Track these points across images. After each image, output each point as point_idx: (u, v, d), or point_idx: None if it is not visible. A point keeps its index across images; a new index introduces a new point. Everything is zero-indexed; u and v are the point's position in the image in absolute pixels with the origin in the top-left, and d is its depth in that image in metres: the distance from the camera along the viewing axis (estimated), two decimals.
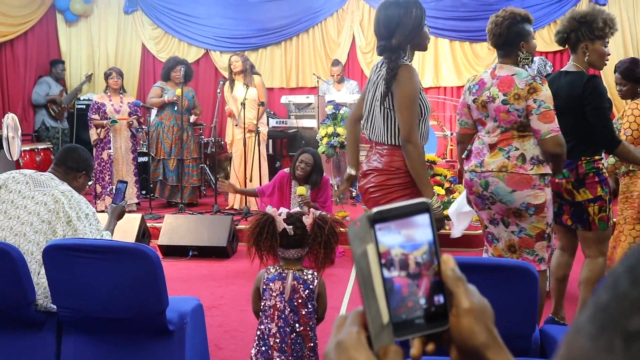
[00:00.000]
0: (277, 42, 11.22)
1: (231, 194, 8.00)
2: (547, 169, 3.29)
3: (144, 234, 6.35)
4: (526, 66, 3.48)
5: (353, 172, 3.58)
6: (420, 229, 0.71)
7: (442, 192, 6.08)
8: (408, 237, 0.71)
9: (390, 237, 0.70)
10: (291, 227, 2.69)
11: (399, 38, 3.20)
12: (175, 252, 6.40)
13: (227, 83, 7.82)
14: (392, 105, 3.21)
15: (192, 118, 8.14)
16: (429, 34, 3.40)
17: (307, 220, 2.71)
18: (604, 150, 3.73)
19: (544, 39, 9.90)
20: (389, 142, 3.26)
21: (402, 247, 0.70)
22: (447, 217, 6.08)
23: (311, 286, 2.72)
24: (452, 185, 6.55)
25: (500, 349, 0.72)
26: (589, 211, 3.63)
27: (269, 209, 2.84)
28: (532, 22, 3.47)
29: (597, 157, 3.67)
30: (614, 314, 0.33)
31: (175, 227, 6.52)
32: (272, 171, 8.11)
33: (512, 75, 3.31)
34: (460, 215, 5.20)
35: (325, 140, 7.62)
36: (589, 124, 3.56)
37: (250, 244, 2.74)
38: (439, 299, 0.71)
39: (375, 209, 0.71)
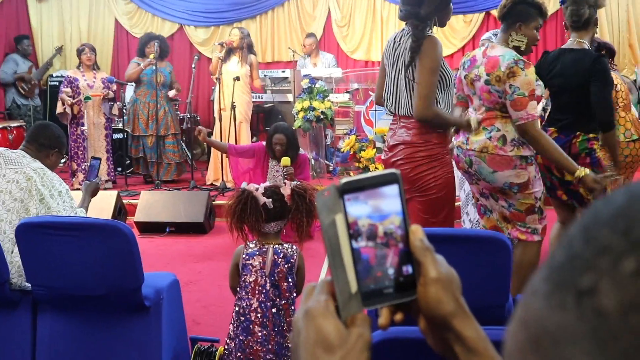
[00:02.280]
0: (252, 16, 11.12)
1: (211, 169, 7.96)
2: (527, 152, 3.29)
3: (120, 210, 6.32)
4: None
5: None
6: (389, 200, 0.71)
7: None
8: (377, 208, 0.71)
9: (359, 208, 0.70)
10: (270, 200, 2.69)
11: (427, 9, 3.22)
12: (152, 228, 6.37)
13: (222, 52, 7.67)
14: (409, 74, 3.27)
15: (172, 93, 8.05)
16: (451, 12, 3.43)
17: (285, 191, 2.71)
18: (602, 130, 3.68)
19: None
20: (405, 113, 3.32)
21: (371, 218, 0.70)
22: None
23: (292, 260, 2.72)
24: None
25: (467, 317, 0.72)
26: (580, 191, 3.63)
27: (245, 185, 2.83)
28: (544, 13, 3.41)
29: (591, 135, 3.66)
30: (566, 273, 0.33)
31: (151, 204, 6.49)
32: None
33: (499, 55, 3.29)
34: None
35: (301, 114, 7.60)
36: (590, 101, 3.57)
37: (233, 222, 2.73)
38: (408, 269, 0.72)
39: (344, 179, 0.71)
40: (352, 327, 0.69)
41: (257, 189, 2.74)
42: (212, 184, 7.89)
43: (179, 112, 8.76)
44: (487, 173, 3.33)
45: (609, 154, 3.74)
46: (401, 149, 3.34)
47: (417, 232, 0.72)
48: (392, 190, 0.71)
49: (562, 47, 3.82)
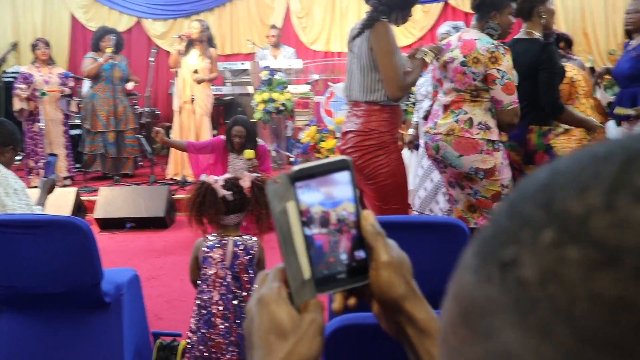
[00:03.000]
0: (211, 9, 11.06)
1: (171, 164, 7.90)
2: (493, 135, 3.32)
3: (79, 207, 6.24)
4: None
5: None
6: (341, 186, 0.72)
7: None
8: (328, 195, 0.71)
9: (311, 195, 0.71)
10: (230, 192, 2.68)
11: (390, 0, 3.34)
12: (112, 224, 6.31)
13: (182, 45, 7.59)
14: (370, 61, 3.34)
15: (131, 85, 7.96)
16: (410, 16, 3.54)
17: (245, 183, 2.71)
18: (552, 119, 3.74)
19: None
20: (365, 99, 3.38)
21: (323, 205, 0.71)
22: None
23: (252, 251, 2.72)
24: None
25: (418, 300, 0.74)
26: None
27: (205, 178, 2.82)
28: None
29: (545, 128, 3.70)
30: (492, 247, 0.35)
31: (111, 200, 6.42)
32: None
33: (475, 39, 3.34)
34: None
35: (261, 106, 7.57)
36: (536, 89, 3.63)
37: (192, 215, 2.72)
38: (360, 254, 0.73)
39: (295, 167, 0.71)
40: (304, 313, 0.70)
41: (216, 181, 2.73)
42: (172, 179, 7.84)
43: (137, 107, 8.67)
44: (453, 157, 3.35)
45: (578, 127, 3.82)
46: (350, 137, 3.43)
47: (369, 218, 0.73)
48: (344, 176, 0.72)
49: (514, 37, 3.87)
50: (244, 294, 2.70)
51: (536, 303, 0.31)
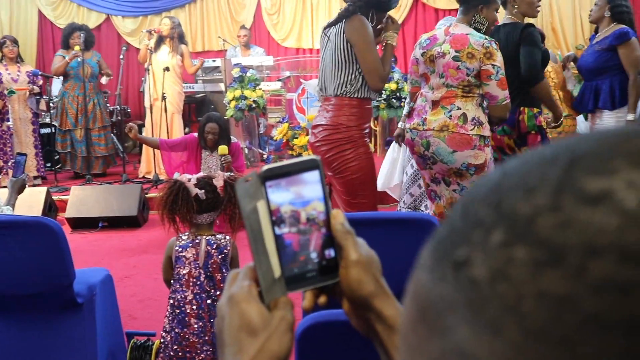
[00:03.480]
0: (182, 5, 10.99)
1: (143, 162, 7.85)
2: (486, 131, 3.34)
3: (51, 207, 6.18)
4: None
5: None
6: (310, 186, 0.72)
7: None
8: (298, 194, 0.72)
9: (281, 194, 0.71)
10: (203, 191, 2.67)
11: None
12: (84, 224, 6.25)
13: (152, 41, 7.53)
14: (344, 53, 3.36)
15: (104, 79, 7.90)
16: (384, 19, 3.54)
17: (218, 182, 2.70)
18: (529, 85, 3.74)
19: None
20: (336, 93, 3.38)
21: (293, 204, 0.72)
22: None
23: (225, 250, 2.72)
24: None
25: (387, 297, 0.75)
26: None
27: (177, 176, 2.80)
28: None
29: (536, 110, 3.74)
30: (446, 247, 0.36)
31: (83, 199, 6.36)
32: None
33: (467, 34, 3.34)
34: (391, 189, 5.28)
35: (233, 103, 7.55)
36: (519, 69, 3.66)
37: (164, 213, 2.70)
38: (330, 252, 0.74)
39: (265, 166, 0.72)
40: (274, 311, 0.71)
41: (189, 180, 2.71)
42: (144, 177, 7.78)
43: (108, 105, 8.59)
44: (445, 154, 3.34)
45: (546, 107, 3.87)
46: (319, 131, 3.45)
47: (338, 217, 0.74)
48: (313, 176, 0.73)
49: (498, 24, 3.91)
50: (218, 293, 2.70)
51: (487, 301, 0.32)
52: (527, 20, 3.92)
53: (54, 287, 2.62)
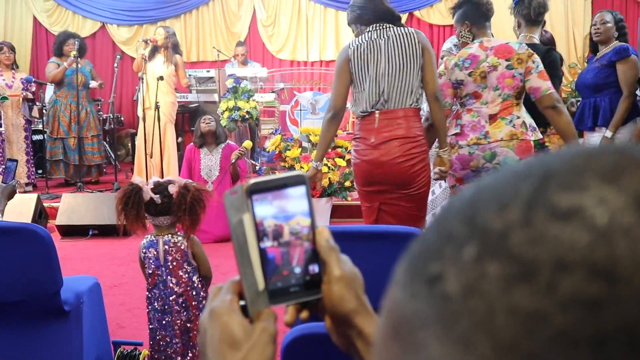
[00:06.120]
0: (177, 15, 11.01)
1: (136, 171, 7.86)
2: (539, 135, 3.45)
3: (41, 214, 6.15)
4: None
5: (320, 169, 3.71)
6: (296, 200, 0.73)
7: (344, 163, 6.17)
8: (283, 208, 0.72)
9: (266, 208, 0.72)
10: (158, 196, 2.76)
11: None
12: (74, 231, 6.23)
13: (147, 50, 7.53)
14: (411, 63, 3.35)
15: (95, 83, 7.89)
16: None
17: (173, 189, 2.77)
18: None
19: (442, 12, 10.11)
20: (409, 105, 3.34)
21: (277, 218, 0.72)
22: (349, 189, 6.18)
23: (182, 247, 2.82)
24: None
25: (368, 314, 0.75)
26: None
27: (137, 180, 2.94)
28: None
29: (541, 129, 3.75)
30: (419, 261, 0.36)
31: (73, 206, 6.34)
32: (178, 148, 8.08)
33: (507, 43, 3.47)
34: None
35: (226, 114, 7.55)
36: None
37: (118, 214, 2.82)
38: (314, 268, 0.74)
39: (252, 180, 0.72)
40: (257, 322, 0.71)
41: (147, 184, 2.81)
42: None
43: (101, 113, 8.58)
44: (513, 162, 3.33)
45: (561, 136, 3.92)
46: (396, 145, 3.31)
47: (324, 233, 0.75)
48: (299, 191, 0.73)
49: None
50: (181, 289, 2.82)
51: (458, 316, 0.32)
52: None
53: (41, 294, 2.61)
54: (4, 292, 2.58)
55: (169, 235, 2.84)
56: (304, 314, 0.76)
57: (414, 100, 3.37)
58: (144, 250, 2.86)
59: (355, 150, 3.50)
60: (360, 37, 3.44)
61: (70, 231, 6.24)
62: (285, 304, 0.74)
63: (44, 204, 6.42)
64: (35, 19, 11.02)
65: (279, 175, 0.74)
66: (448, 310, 0.33)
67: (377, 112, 3.36)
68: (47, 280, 2.56)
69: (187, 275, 2.83)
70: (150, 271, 2.84)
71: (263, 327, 0.71)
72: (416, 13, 10.65)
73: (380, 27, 3.43)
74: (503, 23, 7.07)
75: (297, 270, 0.73)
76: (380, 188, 3.39)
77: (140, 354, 3.01)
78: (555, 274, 0.30)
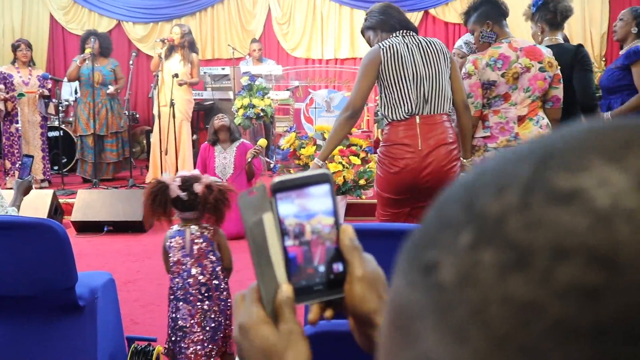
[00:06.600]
0: (192, 13, 11.03)
1: (151, 168, 7.89)
2: None
3: (57, 210, 6.19)
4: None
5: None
6: (320, 199, 0.72)
7: (358, 162, 6.15)
8: (306, 207, 0.72)
9: (288, 207, 0.71)
10: (185, 193, 2.83)
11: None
12: (89, 227, 6.26)
13: (164, 49, 7.57)
14: (448, 70, 3.38)
15: (111, 89, 7.88)
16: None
17: (198, 187, 2.85)
18: (583, 111, 3.83)
19: (457, 11, 10.06)
20: (448, 110, 3.35)
21: (299, 217, 0.72)
22: (364, 187, 6.17)
23: (208, 236, 2.90)
24: (367, 155, 6.63)
25: None
26: None
27: (165, 177, 3.01)
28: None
29: None
30: (417, 249, 0.35)
31: (89, 203, 6.38)
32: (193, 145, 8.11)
33: (534, 45, 3.52)
34: None
35: (241, 111, 7.57)
36: (572, 91, 3.74)
37: (146, 209, 2.95)
38: (338, 266, 0.73)
39: (277, 178, 0.72)
40: (281, 324, 0.71)
41: (175, 181, 2.88)
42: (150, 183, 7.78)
43: (126, 111, 8.49)
44: None
45: None
46: (444, 152, 3.26)
47: (348, 231, 0.74)
48: (323, 189, 0.72)
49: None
50: (205, 279, 2.88)
51: (453, 307, 0.31)
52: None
53: (56, 289, 2.62)
54: (19, 286, 2.60)
55: (196, 226, 2.91)
56: (328, 313, 0.76)
57: (450, 105, 3.36)
58: (170, 240, 2.92)
59: (392, 158, 3.31)
60: (389, 40, 3.37)
61: (86, 227, 6.27)
62: (309, 302, 0.74)
63: (60, 200, 6.47)
64: (51, 16, 11.08)
65: (303, 173, 0.73)
66: (443, 300, 0.31)
67: (417, 116, 3.28)
68: (62, 275, 2.57)
69: (211, 265, 2.90)
70: (175, 259, 2.89)
71: (289, 330, 0.71)
72: (431, 11, 10.62)
73: (408, 34, 3.40)
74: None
75: (322, 269, 0.73)
76: (418, 195, 3.26)
77: (154, 349, 3.02)
78: (552, 261, 0.29)
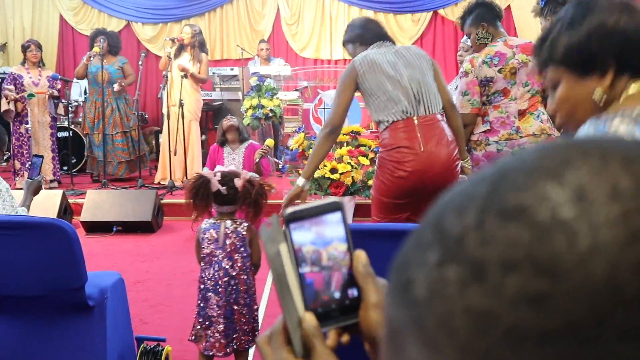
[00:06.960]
0: (201, 14, 11.05)
1: (160, 168, 7.91)
2: (557, 132, 3.51)
3: (66, 210, 6.21)
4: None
5: (307, 188, 3.49)
6: (333, 226, 0.73)
7: (367, 162, 6.15)
8: (320, 235, 0.73)
9: (304, 235, 0.72)
10: (225, 187, 2.94)
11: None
12: (99, 228, 6.28)
13: (173, 49, 7.59)
14: (430, 73, 3.37)
15: (115, 87, 7.90)
16: None
17: (238, 182, 2.95)
18: None
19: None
20: (440, 109, 3.33)
21: (315, 244, 0.73)
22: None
23: (242, 232, 2.98)
24: (376, 156, 6.64)
25: None
26: None
27: (205, 171, 3.16)
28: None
29: None
30: (399, 268, 0.38)
31: (98, 203, 6.39)
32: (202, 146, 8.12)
33: (530, 42, 3.54)
34: None
35: (250, 112, 7.57)
36: None
37: (188, 202, 3.03)
38: (353, 292, 0.74)
39: (289, 209, 0.73)
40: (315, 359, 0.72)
41: (215, 175, 2.98)
42: (159, 183, 7.81)
43: (135, 111, 8.49)
44: None
45: None
46: (445, 151, 3.26)
47: (361, 258, 0.74)
48: (335, 217, 0.73)
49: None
50: (235, 272, 2.95)
51: (425, 319, 0.34)
52: None
53: (65, 289, 2.63)
54: (29, 286, 2.61)
55: (231, 220, 3.01)
56: (345, 338, 0.76)
57: (440, 104, 3.33)
58: (204, 232, 3.00)
59: (396, 162, 3.25)
60: (364, 52, 3.39)
61: (95, 227, 6.29)
62: (325, 329, 0.74)
63: (69, 200, 6.49)
64: (61, 17, 11.12)
65: (314, 203, 0.74)
66: (417, 314, 0.35)
67: (414, 118, 3.24)
68: (71, 275, 2.58)
69: (242, 259, 2.98)
70: (208, 251, 2.97)
71: (319, 352, 0.71)
72: (440, 11, 10.61)
73: (383, 44, 3.43)
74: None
75: (337, 295, 0.74)
76: (421, 198, 3.16)
77: (163, 349, 3.03)
78: (503, 273, 0.32)
